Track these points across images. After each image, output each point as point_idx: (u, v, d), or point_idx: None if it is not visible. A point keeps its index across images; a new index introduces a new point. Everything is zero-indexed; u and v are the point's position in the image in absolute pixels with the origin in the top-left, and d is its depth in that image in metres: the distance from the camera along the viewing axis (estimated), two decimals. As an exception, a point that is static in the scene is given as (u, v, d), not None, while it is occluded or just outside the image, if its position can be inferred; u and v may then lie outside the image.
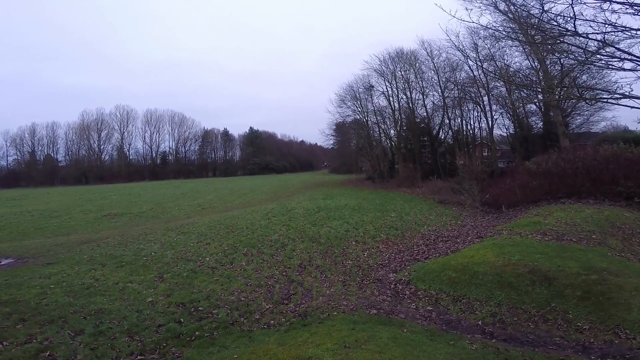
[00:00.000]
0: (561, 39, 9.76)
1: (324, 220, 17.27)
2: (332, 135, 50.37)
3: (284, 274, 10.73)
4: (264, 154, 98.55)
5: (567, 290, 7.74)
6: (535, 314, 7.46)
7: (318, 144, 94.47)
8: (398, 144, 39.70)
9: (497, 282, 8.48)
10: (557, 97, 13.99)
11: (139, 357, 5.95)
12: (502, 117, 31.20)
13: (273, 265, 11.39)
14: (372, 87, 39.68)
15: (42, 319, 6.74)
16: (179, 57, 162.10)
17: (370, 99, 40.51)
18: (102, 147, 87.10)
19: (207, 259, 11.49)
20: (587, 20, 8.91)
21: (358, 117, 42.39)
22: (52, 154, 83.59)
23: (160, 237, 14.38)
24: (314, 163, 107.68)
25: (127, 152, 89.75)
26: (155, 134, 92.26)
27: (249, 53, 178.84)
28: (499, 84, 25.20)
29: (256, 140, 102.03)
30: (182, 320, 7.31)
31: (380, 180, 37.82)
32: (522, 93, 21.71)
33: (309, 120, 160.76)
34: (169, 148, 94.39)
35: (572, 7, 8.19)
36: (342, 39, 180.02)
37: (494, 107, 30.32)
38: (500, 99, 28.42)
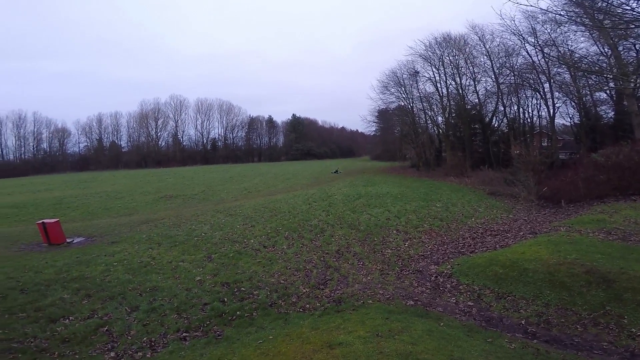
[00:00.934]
0: (636, 24, 8.48)
1: (364, 208, 17.05)
2: (375, 122, 48.97)
3: (322, 259, 10.86)
4: (305, 140, 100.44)
5: (627, 294, 6.97)
6: (586, 316, 6.84)
7: (359, 131, 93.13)
8: (446, 131, 37.65)
9: (548, 281, 7.84)
10: (632, 85, 12.32)
11: (184, 334, 6.44)
12: (566, 105, 28.18)
13: (312, 250, 11.57)
14: (418, 73, 37.73)
15: (104, 295, 7.53)
16: (223, 49, 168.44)
17: (415, 85, 38.66)
18: (159, 134, 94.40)
19: (252, 241, 12.00)
20: None
21: (402, 104, 40.68)
22: (116, 141, 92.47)
23: (210, 219, 15.28)
24: (355, 149, 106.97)
25: (181, 139, 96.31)
26: (205, 122, 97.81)
27: (288, 42, 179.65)
28: (562, 70, 22.61)
29: (298, 126, 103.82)
30: (225, 299, 7.76)
31: (425, 169, 36.41)
32: (589, 80, 19.27)
33: (350, 107, 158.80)
34: (218, 135, 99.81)
35: None
36: (380, 24, 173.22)
37: (555, 94, 27.43)
38: (563, 86, 25.41)
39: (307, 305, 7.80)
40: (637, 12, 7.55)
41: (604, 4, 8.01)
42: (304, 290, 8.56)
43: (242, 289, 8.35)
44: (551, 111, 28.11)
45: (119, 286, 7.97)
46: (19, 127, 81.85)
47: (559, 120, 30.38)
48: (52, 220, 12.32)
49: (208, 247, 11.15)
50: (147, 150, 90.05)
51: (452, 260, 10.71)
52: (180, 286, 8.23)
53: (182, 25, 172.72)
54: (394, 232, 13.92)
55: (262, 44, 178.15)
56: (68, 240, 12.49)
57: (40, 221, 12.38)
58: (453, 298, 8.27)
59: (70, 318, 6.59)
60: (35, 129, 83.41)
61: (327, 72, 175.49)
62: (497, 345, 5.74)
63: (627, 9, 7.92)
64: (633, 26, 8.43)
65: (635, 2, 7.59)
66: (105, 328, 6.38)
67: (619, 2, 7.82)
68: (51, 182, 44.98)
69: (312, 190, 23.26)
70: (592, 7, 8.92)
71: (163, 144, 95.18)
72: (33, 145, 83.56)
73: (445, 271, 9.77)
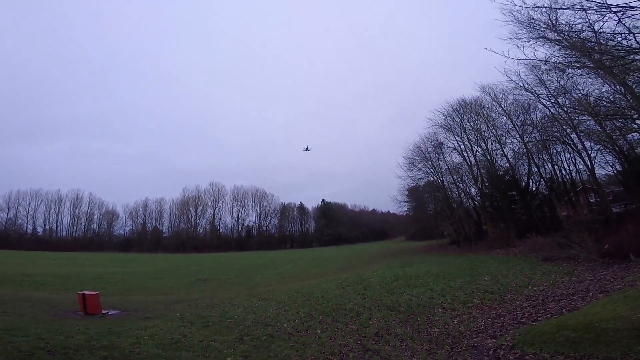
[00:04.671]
0: (631, 57, 8.62)
1: (404, 288, 16.08)
2: (406, 201, 47.83)
3: (359, 342, 9.74)
4: (336, 225, 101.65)
5: None
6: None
7: (391, 212, 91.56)
8: (482, 202, 36.15)
9: (636, 337, 6.31)
10: None
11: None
12: (602, 153, 26.12)
13: (347, 333, 10.61)
14: (442, 144, 37.51)
15: (131, 367, 7.22)
16: (258, 137, 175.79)
17: (442, 157, 38.14)
18: (197, 221, 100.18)
19: (285, 324, 11.54)
20: None
21: (431, 179, 40.08)
22: (158, 226, 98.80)
23: (243, 302, 15.22)
24: (388, 231, 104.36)
25: (218, 226, 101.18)
26: (241, 210, 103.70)
27: (319, 129, 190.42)
28: (585, 117, 21.68)
29: (328, 212, 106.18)
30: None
31: (466, 244, 33.93)
32: (615, 123, 18.32)
33: (379, 188, 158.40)
34: (253, 222, 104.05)
35: (621, 22, 7.43)
36: (400, 104, 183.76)
37: (587, 144, 25.81)
38: (591, 134, 24.17)
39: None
40: (627, 45, 7.73)
41: (591, 44, 8.31)
42: (340, 376, 7.42)
43: (274, 372, 7.51)
44: (588, 163, 26.22)
45: (147, 359, 7.72)
46: (75, 206, 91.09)
47: (600, 171, 27.67)
48: (92, 293, 13.02)
49: (240, 329, 10.83)
50: (186, 236, 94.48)
51: (511, 331, 9.12)
52: (210, 365, 7.73)
53: (224, 118, 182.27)
54: (440, 310, 12.57)
55: (296, 128, 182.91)
56: (104, 311, 12.83)
57: (81, 292, 12.99)
58: (520, 372, 6.75)
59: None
60: (89, 210, 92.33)
61: (355, 154, 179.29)
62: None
63: (617, 45, 8.15)
64: (630, 60, 8.51)
65: (621, 36, 7.83)
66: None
67: (605, 39, 8.10)
68: (96, 259, 48.12)
69: (345, 275, 22.30)
70: (585, 48, 9.24)
71: (201, 230, 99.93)
72: (85, 225, 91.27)
73: (506, 343, 8.22)
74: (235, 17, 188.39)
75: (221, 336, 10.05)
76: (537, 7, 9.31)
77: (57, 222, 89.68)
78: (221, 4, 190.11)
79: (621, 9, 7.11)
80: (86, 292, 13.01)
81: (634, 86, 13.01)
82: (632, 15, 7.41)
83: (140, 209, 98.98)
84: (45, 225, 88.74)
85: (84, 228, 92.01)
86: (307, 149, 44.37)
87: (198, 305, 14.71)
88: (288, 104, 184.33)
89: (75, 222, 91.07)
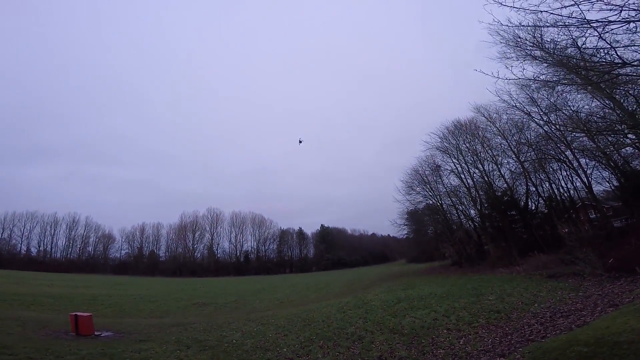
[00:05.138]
0: (615, 72, 8.84)
1: (406, 311, 15.62)
2: (405, 225, 47.30)
3: (361, 366, 9.20)
4: (335, 249, 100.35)
5: None
6: None
7: (391, 235, 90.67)
8: (482, 223, 35.79)
9: (651, 348, 6.00)
10: None
11: None
12: (598, 169, 26.19)
13: (349, 357, 10.30)
14: (439, 167, 37.50)
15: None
16: (256, 164, 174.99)
17: (439, 180, 38.05)
18: (195, 246, 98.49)
19: (285, 349, 11.21)
20: (627, 46, 8.12)
21: (430, 202, 39.79)
22: (155, 250, 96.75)
23: (241, 327, 14.85)
24: (389, 254, 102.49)
25: (216, 251, 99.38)
26: (239, 235, 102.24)
27: (317, 155, 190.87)
28: (577, 134, 21.91)
29: (327, 237, 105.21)
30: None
31: (468, 264, 33.23)
32: (608, 138, 18.47)
33: (378, 212, 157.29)
34: (251, 247, 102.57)
35: (602, 37, 7.68)
36: (395, 129, 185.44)
37: (582, 160, 25.89)
38: (585, 150, 24.25)
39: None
40: (609, 60, 7.93)
41: (576, 60, 8.52)
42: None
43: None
44: (585, 180, 26.23)
45: None
46: (71, 229, 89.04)
47: (597, 188, 27.57)
48: (85, 314, 12.68)
49: (239, 354, 10.49)
50: (183, 261, 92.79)
51: (520, 349, 8.76)
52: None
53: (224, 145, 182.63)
54: (445, 331, 12.15)
55: (294, 157, 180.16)
56: (96, 332, 12.42)
57: (74, 313, 12.62)
58: (532, 391, 6.36)
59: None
60: (85, 233, 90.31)
61: (354, 180, 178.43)
62: None
63: (600, 60, 8.36)
64: (614, 74, 8.70)
65: (604, 51, 8.05)
66: None
67: (588, 55, 8.31)
68: (90, 280, 47.31)
69: (346, 299, 21.68)
70: (571, 65, 9.46)
71: (199, 255, 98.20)
72: (80, 247, 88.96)
73: (515, 361, 7.82)
74: (234, 47, 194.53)
75: (218, 361, 9.61)
76: (522, 25, 9.60)
77: (51, 243, 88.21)
78: (218, 30, 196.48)
79: (601, 24, 7.34)
80: (79, 313, 12.69)
81: (621, 100, 13.27)
82: (612, 29, 7.67)
83: (137, 232, 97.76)
84: (39, 247, 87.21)
85: (79, 250, 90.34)
86: (300, 142, 46.06)
87: (195, 329, 14.31)
88: (286, 132, 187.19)
89: (71, 245, 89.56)
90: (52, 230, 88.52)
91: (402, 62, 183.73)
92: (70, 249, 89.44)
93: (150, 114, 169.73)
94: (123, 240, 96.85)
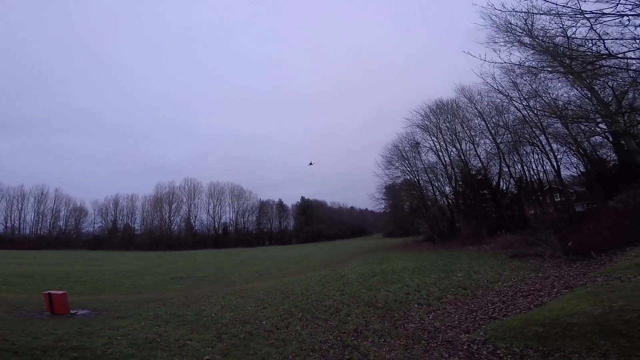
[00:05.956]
0: (599, 63, 9.12)
1: (381, 285, 16.38)
2: (383, 199, 49.10)
3: (339, 338, 9.86)
4: (315, 222, 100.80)
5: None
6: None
7: (369, 209, 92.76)
8: (456, 200, 37.39)
9: (599, 332, 6.75)
10: (622, 124, 12.31)
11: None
12: (567, 155, 27.86)
13: (327, 330, 10.72)
14: (418, 143, 38.66)
15: (102, 368, 6.98)
16: (237, 134, 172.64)
17: (418, 156, 39.37)
18: (172, 219, 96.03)
19: (264, 322, 11.48)
20: (616, 39, 8.33)
21: (408, 177, 41.20)
22: (131, 223, 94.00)
23: (220, 300, 14.99)
24: (366, 228, 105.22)
25: (193, 223, 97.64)
26: (217, 207, 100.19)
27: (301, 129, 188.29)
28: (553, 120, 22.89)
29: (307, 209, 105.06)
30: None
31: (441, 241, 35.02)
32: (580, 126, 19.42)
33: (358, 186, 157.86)
34: (230, 219, 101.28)
35: (593, 28, 7.82)
36: (380, 105, 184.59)
37: (554, 146, 27.34)
38: (558, 136, 25.55)
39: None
40: (596, 51, 8.15)
41: (564, 49, 8.69)
42: (320, 373, 7.50)
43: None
44: (555, 164, 27.77)
45: (121, 359, 7.53)
46: (40, 202, 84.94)
47: (565, 172, 29.55)
48: (59, 292, 12.49)
49: (218, 327, 10.66)
50: (160, 234, 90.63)
51: (484, 326, 9.52)
52: (187, 364, 7.58)
53: (203, 113, 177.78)
54: (416, 305, 12.91)
55: (275, 129, 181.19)
56: (72, 311, 12.32)
57: (47, 292, 12.42)
58: (493, 366, 7.07)
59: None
60: (55, 206, 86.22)
61: (336, 154, 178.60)
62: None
63: (587, 49, 8.57)
64: (597, 65, 8.98)
65: (592, 42, 8.25)
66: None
67: (575, 44, 8.50)
68: (62, 257, 45.97)
69: (324, 272, 22.43)
70: (557, 53, 9.65)
71: (176, 228, 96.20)
72: (50, 222, 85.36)
73: (478, 338, 8.57)
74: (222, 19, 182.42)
75: (198, 335, 9.88)
76: (516, 11, 9.60)
77: (19, 219, 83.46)
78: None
79: (594, 15, 7.45)
80: (52, 292, 12.43)
81: (599, 91, 13.78)
82: (604, 21, 7.84)
83: (111, 205, 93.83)
84: (6, 223, 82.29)
85: (50, 225, 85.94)
86: (310, 164, 45.34)
87: (173, 304, 14.36)
88: (269, 105, 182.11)
89: (40, 220, 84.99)
90: (20, 205, 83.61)
91: (391, 43, 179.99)
92: (39, 224, 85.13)
93: (123, 84, 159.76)
94: (96, 213, 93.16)
